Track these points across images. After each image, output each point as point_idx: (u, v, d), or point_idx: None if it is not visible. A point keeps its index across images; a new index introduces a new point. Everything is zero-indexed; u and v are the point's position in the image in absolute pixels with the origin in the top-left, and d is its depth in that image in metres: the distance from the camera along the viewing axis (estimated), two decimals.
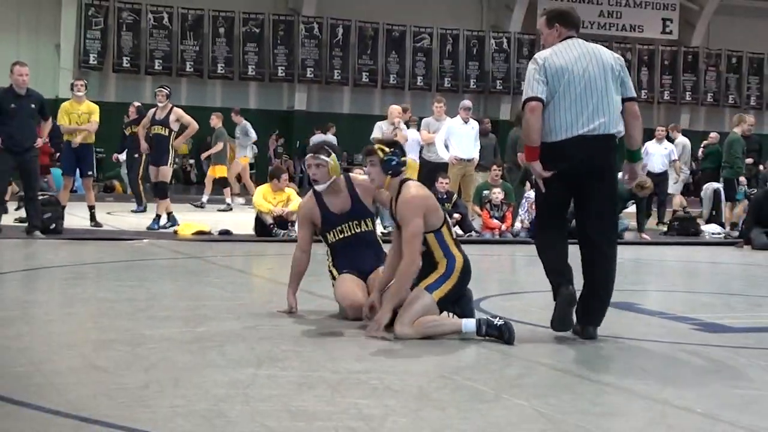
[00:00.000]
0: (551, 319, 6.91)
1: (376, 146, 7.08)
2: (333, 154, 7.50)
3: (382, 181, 7.01)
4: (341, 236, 7.60)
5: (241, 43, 30.82)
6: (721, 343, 7.14)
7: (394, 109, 17.26)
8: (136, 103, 20.10)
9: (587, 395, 5.36)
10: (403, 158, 7.09)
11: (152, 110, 15.62)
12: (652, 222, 18.21)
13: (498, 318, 6.72)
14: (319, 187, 7.55)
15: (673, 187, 20.06)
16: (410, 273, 6.80)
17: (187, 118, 15.47)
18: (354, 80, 32.08)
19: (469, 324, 6.67)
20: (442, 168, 16.50)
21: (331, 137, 23.23)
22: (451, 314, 6.94)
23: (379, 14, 32.05)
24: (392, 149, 7.04)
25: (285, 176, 14.87)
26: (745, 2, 36.32)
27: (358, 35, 31.95)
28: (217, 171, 20.84)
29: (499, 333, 6.58)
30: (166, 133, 15.21)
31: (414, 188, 6.95)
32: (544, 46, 7.33)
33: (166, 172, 15.41)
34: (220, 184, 20.78)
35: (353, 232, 7.59)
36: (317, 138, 28.78)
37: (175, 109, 15.51)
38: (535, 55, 7.15)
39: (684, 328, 7.72)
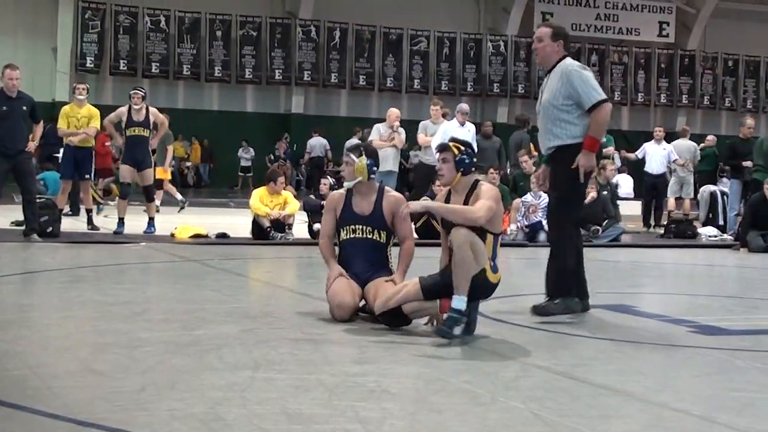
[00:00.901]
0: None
1: (451, 144, 7.22)
2: (363, 157, 7.66)
3: (452, 178, 7.11)
4: (353, 235, 7.71)
5: (238, 46, 30.84)
6: (717, 345, 7.14)
7: (393, 112, 17.33)
8: None
9: (584, 398, 5.36)
10: (474, 159, 7.23)
11: (123, 109, 15.30)
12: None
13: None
14: (345, 184, 7.84)
15: (673, 189, 20.02)
16: (470, 212, 6.83)
17: (161, 117, 15.45)
18: (351, 83, 32.12)
19: (461, 303, 6.66)
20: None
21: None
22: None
23: (376, 17, 32.09)
24: (466, 149, 7.17)
25: (281, 179, 14.86)
26: (741, 6, 36.42)
27: (355, 38, 32.00)
28: (159, 172, 20.23)
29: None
30: (147, 134, 15.07)
31: (491, 186, 7.18)
32: (540, 53, 8.25)
33: (151, 175, 15.38)
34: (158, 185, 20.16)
35: (364, 236, 7.68)
36: (315, 140, 28.92)
37: (151, 108, 15.38)
38: (578, 64, 8.30)
39: (681, 331, 7.72)
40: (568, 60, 8.23)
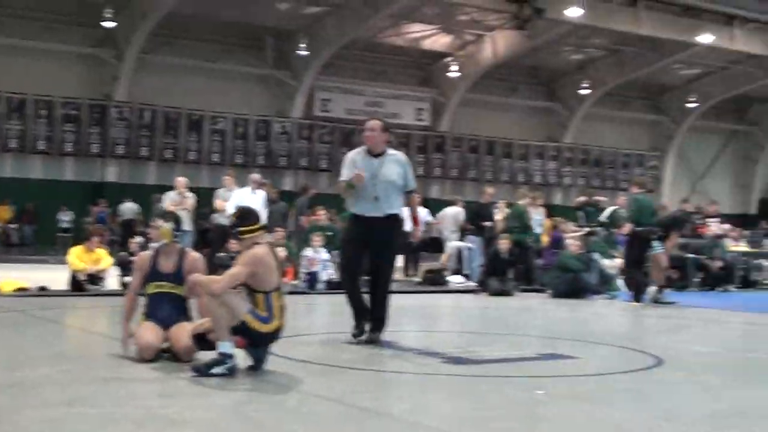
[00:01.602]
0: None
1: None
2: (170, 223, 7.61)
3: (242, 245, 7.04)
4: (159, 290, 7.58)
5: (60, 123, 29.91)
6: (464, 373, 7.29)
7: (180, 180, 17.40)
8: None
9: (353, 420, 5.38)
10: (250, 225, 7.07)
11: None
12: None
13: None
14: (152, 245, 7.81)
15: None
16: (213, 282, 6.76)
17: None
18: (159, 156, 31.56)
19: (225, 347, 6.60)
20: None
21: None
22: (246, 355, 6.90)
23: (181, 101, 31.74)
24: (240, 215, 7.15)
25: (95, 239, 14.44)
26: (483, 97, 37.66)
27: (162, 118, 31.51)
28: None
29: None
30: None
31: (250, 252, 6.91)
32: (371, 140, 8.91)
33: None
34: None
35: (168, 290, 7.57)
36: (126, 205, 28.22)
37: None
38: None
39: (434, 361, 7.84)
40: (393, 150, 9.16)
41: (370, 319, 8.95)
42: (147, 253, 7.87)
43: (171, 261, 7.63)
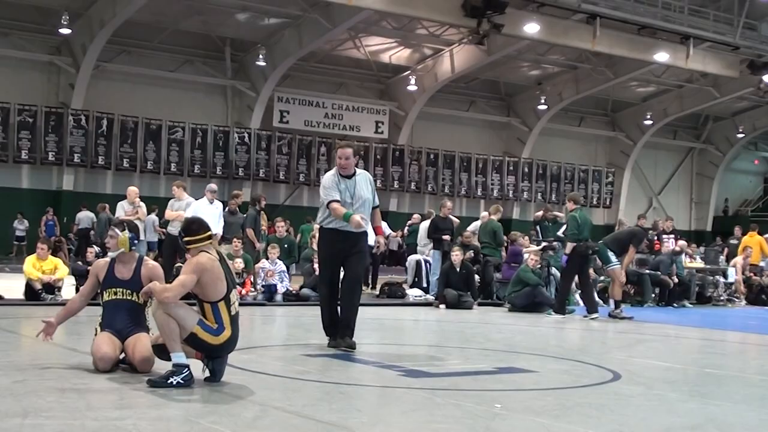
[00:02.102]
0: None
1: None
2: (126, 231, 7.57)
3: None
4: (114, 297, 7.52)
5: (16, 130, 29.58)
6: (421, 386, 7.30)
7: (132, 190, 17.41)
8: None
9: None
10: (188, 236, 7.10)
11: None
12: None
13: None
14: (109, 254, 7.72)
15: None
16: (165, 291, 6.74)
17: None
18: (116, 165, 31.33)
19: (178, 358, 6.61)
20: None
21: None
22: (204, 366, 6.85)
23: (139, 110, 31.57)
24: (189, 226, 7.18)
25: (44, 246, 14.27)
26: (439, 110, 37.87)
27: (120, 127, 31.28)
28: None
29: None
30: None
31: (193, 260, 6.96)
32: (346, 164, 9.45)
33: None
34: None
35: (124, 297, 7.51)
36: (83, 214, 27.94)
37: None
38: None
39: (392, 374, 7.85)
40: (360, 169, 9.81)
41: (343, 326, 9.39)
42: (104, 260, 7.81)
43: (127, 268, 7.58)
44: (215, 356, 6.89)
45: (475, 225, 20.68)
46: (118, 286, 7.53)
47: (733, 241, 24.68)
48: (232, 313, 6.98)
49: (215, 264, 6.92)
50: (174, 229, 16.73)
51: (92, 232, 26.90)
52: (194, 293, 6.91)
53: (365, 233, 9.64)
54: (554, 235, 19.02)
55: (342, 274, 9.57)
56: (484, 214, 21.03)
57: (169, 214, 16.98)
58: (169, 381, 6.53)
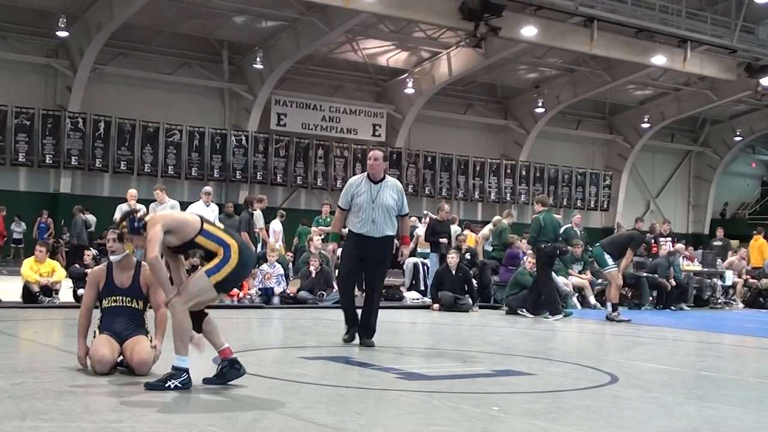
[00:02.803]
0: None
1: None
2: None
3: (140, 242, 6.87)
4: (114, 304, 7.50)
5: (13, 133, 29.57)
6: (418, 388, 7.30)
7: (130, 192, 17.45)
8: None
9: None
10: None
11: None
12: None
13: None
14: (113, 257, 7.53)
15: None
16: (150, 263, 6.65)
17: None
18: (113, 168, 31.32)
19: (180, 361, 6.58)
20: None
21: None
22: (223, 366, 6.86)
23: (136, 112, 31.57)
24: (128, 218, 6.97)
25: (42, 249, 14.27)
26: (437, 113, 37.87)
27: (117, 129, 31.28)
28: None
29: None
30: None
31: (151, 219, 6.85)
32: (375, 168, 10.00)
33: None
34: None
35: (124, 304, 7.49)
36: (80, 217, 27.93)
37: None
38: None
39: (389, 377, 7.85)
40: (391, 177, 10.34)
41: (363, 327, 10.14)
42: (101, 268, 7.72)
43: (127, 275, 7.54)
44: (248, 270, 6.96)
45: (487, 229, 20.90)
46: (119, 294, 7.50)
47: (716, 243, 24.69)
48: (221, 227, 7.00)
49: (167, 214, 7.03)
50: None
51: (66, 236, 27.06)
52: (182, 250, 6.87)
53: (390, 240, 10.16)
54: (498, 237, 19.26)
55: (364, 277, 10.41)
56: (497, 218, 21.26)
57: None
58: (167, 385, 6.51)
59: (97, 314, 7.61)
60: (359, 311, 10.34)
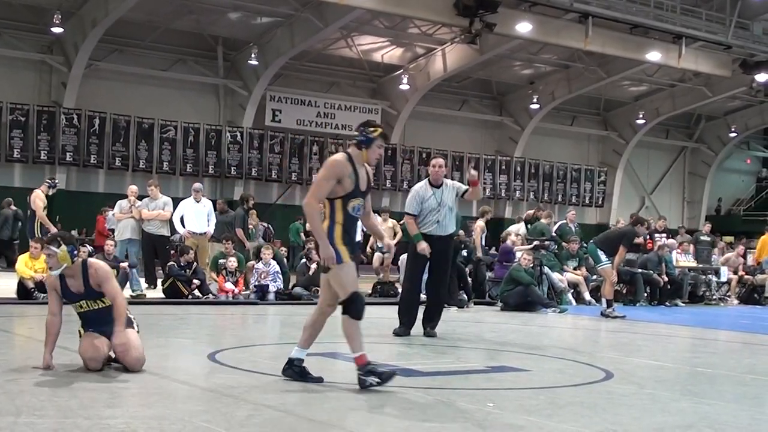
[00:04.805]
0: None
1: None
2: (63, 245, 7.32)
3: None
4: (82, 309, 7.50)
5: (8, 129, 29.52)
6: (414, 385, 7.31)
7: (131, 189, 17.58)
8: None
9: (304, 431, 5.37)
10: None
11: None
12: None
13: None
14: (53, 273, 7.41)
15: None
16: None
17: None
18: (108, 164, 31.26)
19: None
20: (159, 241, 16.78)
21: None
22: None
23: (131, 108, 31.51)
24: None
25: (37, 245, 14.24)
26: (432, 109, 37.86)
27: (112, 126, 31.22)
28: None
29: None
30: None
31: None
32: (437, 173, 11.07)
33: None
34: None
35: (91, 307, 7.47)
36: (5, 211, 27.63)
37: None
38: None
39: None
40: (448, 180, 11.28)
41: (428, 319, 11.31)
42: (54, 276, 7.48)
43: (77, 281, 7.44)
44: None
45: (517, 227, 21.06)
46: (79, 299, 7.45)
47: (703, 237, 24.71)
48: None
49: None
50: (152, 228, 16.98)
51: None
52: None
53: (452, 239, 11.27)
54: (537, 234, 19.21)
55: (431, 272, 11.24)
56: (529, 212, 21.49)
57: (146, 213, 17.13)
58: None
59: (74, 317, 7.57)
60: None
